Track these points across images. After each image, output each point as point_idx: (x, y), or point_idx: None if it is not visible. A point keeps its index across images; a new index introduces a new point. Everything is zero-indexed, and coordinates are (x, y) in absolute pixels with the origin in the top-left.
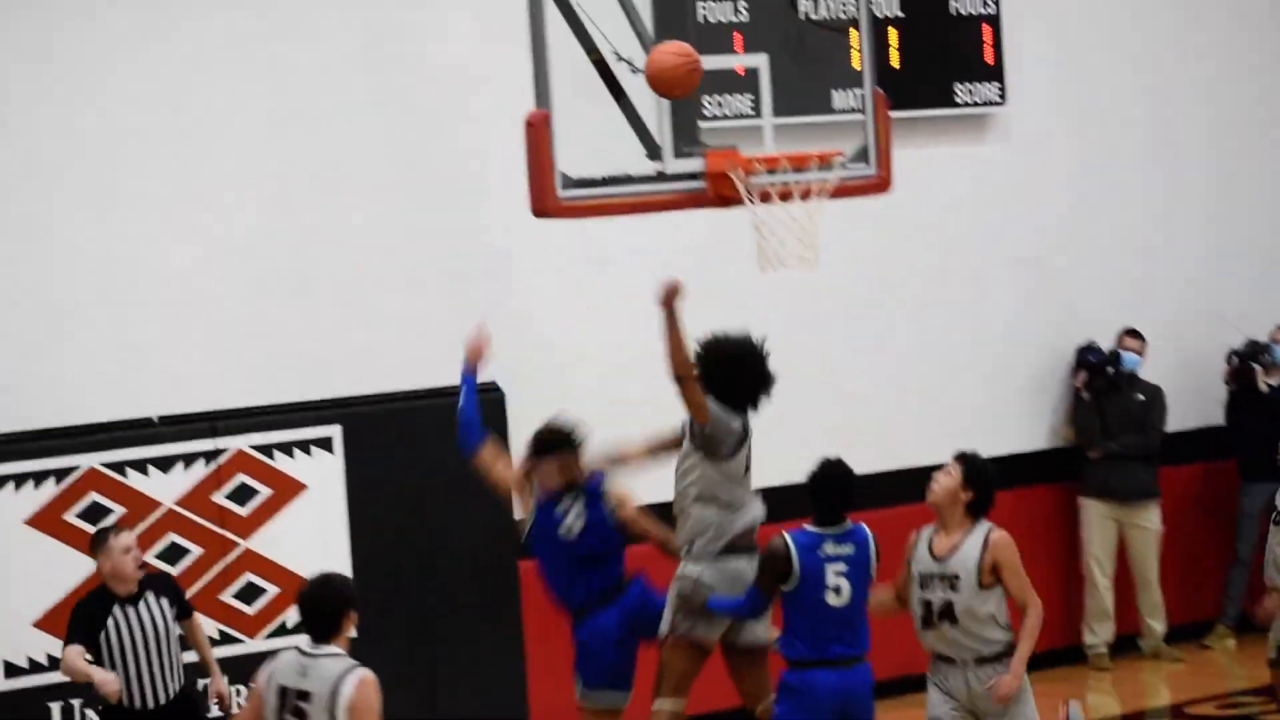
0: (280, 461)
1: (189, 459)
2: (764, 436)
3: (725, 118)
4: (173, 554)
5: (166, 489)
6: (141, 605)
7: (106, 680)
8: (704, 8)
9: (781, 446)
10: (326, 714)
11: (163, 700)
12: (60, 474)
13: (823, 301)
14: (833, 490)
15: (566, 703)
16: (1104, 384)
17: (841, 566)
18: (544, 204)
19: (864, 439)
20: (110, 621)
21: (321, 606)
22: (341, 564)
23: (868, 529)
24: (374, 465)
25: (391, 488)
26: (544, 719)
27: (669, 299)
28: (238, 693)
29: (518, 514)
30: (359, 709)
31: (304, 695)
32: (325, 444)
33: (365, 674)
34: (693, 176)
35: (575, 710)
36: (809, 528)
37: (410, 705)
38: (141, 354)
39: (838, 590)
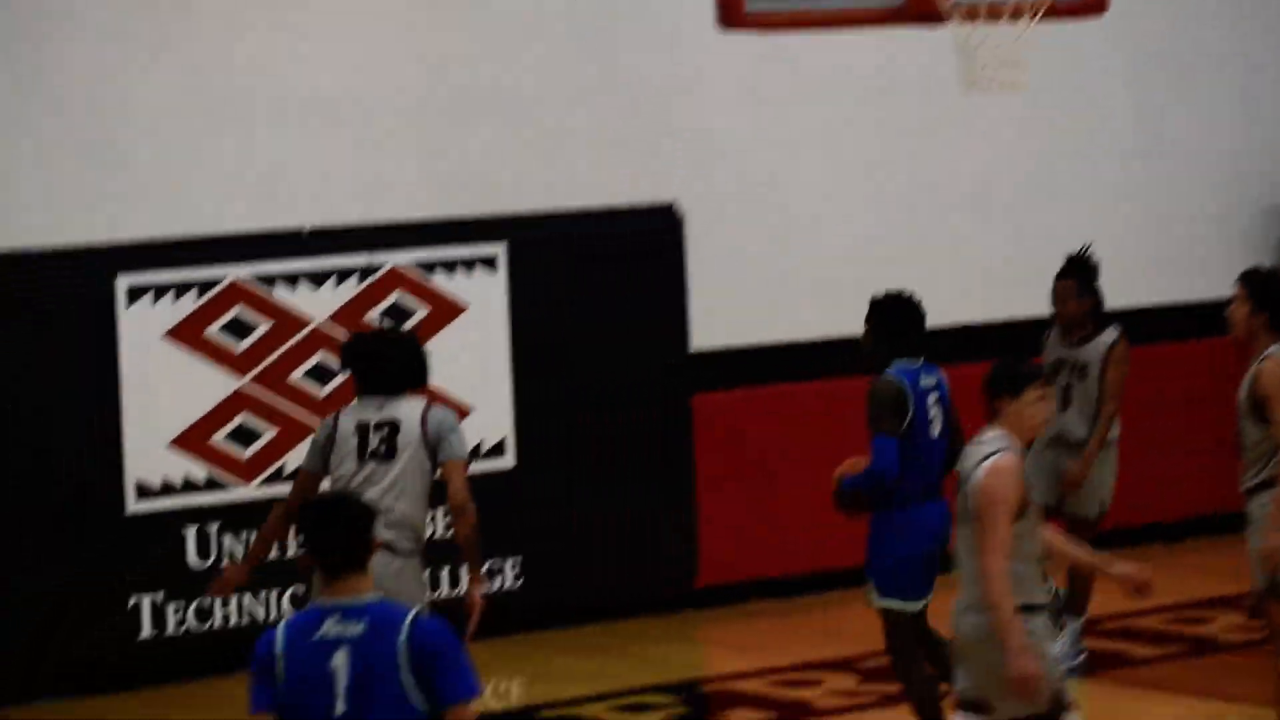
0: (439, 280)
1: (342, 274)
2: (930, 280)
3: None
4: (321, 374)
5: (316, 305)
6: None
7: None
8: None
9: (952, 286)
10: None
11: None
12: (204, 286)
13: (1022, 130)
14: (916, 321)
15: (736, 548)
16: None
17: (935, 397)
18: (733, 15)
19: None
20: None
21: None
22: (502, 392)
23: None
24: (541, 288)
25: (559, 312)
26: (713, 564)
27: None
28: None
29: (694, 345)
30: (984, 496)
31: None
32: (489, 263)
33: (1000, 461)
34: None
35: (743, 557)
36: (902, 363)
37: (568, 542)
38: (296, 161)
39: (934, 422)
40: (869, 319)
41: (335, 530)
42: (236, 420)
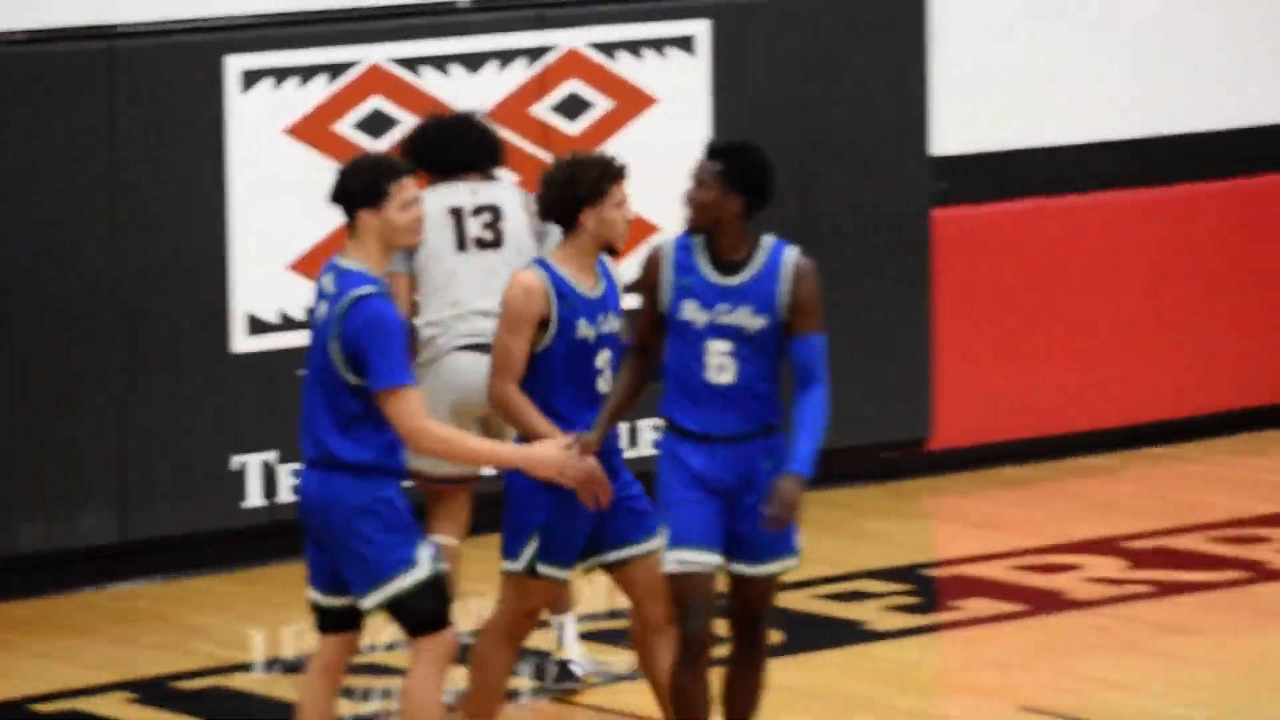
0: (624, 65)
1: (505, 57)
2: None
3: None
4: None
5: (473, 94)
6: None
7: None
8: None
9: None
10: None
11: None
12: (335, 70)
13: None
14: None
15: (975, 387)
16: None
17: None
18: None
19: None
20: None
21: None
22: None
23: None
24: (750, 74)
25: (772, 104)
26: (951, 402)
27: None
28: None
29: (934, 149)
30: None
31: None
32: (685, 44)
33: None
34: None
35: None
36: None
37: None
38: None
39: None
40: None
41: (348, 179)
42: None
